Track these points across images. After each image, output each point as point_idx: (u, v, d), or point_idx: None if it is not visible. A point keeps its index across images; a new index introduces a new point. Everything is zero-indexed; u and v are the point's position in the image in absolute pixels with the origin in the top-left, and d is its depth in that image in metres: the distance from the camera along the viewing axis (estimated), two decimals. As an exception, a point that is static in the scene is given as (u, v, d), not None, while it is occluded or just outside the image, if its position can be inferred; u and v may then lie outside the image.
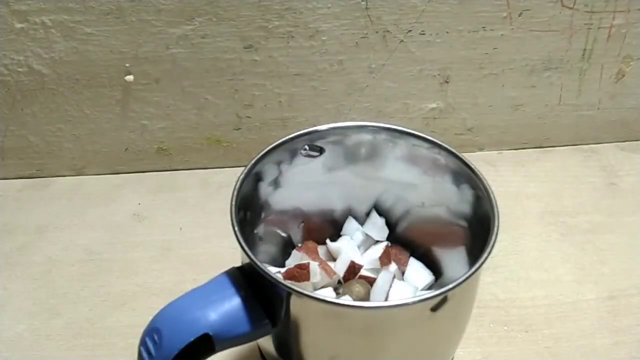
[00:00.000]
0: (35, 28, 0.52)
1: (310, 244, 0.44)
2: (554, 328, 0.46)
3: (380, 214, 0.45)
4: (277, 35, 0.53)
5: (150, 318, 0.33)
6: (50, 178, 0.60)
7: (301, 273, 0.40)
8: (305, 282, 0.40)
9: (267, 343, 0.36)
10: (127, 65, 0.54)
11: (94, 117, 0.57)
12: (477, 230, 0.37)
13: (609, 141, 0.62)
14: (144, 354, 0.32)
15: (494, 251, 0.33)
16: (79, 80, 0.55)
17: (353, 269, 0.42)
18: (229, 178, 0.59)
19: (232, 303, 0.33)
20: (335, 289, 0.42)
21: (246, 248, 0.33)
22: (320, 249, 0.44)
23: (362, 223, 0.45)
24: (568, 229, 0.53)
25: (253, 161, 0.38)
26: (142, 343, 0.32)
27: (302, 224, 0.45)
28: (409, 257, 0.44)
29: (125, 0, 0.51)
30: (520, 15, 0.54)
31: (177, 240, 0.53)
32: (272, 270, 0.34)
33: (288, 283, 0.32)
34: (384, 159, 0.42)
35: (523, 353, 0.44)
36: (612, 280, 0.49)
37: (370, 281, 0.41)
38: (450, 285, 0.31)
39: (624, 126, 0.62)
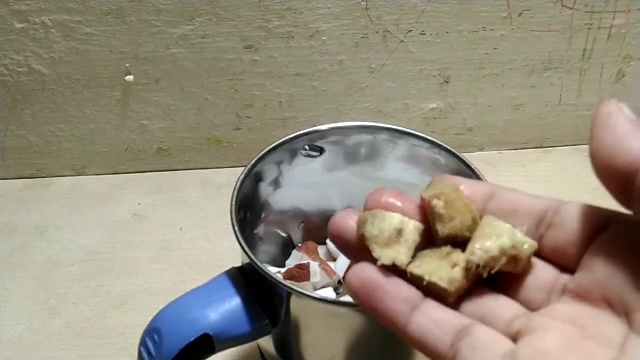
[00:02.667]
0: (35, 28, 0.52)
1: (310, 244, 0.44)
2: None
3: (380, 214, 0.45)
4: (277, 35, 0.53)
5: (150, 318, 0.33)
6: (50, 178, 0.60)
7: (301, 273, 0.40)
8: (305, 282, 0.40)
9: (267, 343, 0.36)
10: (127, 65, 0.54)
11: (94, 117, 0.57)
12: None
13: (609, 141, 0.62)
14: (144, 354, 0.32)
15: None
16: (79, 80, 0.55)
17: (353, 269, 0.42)
18: (229, 178, 0.59)
19: (232, 303, 0.33)
20: (335, 289, 0.42)
21: (246, 248, 0.33)
22: (320, 249, 0.44)
23: (362, 223, 0.45)
24: (568, 229, 0.53)
25: (253, 161, 0.38)
26: (142, 343, 0.32)
27: (302, 224, 0.45)
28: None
29: (125, 0, 0.51)
30: (520, 15, 0.54)
31: (177, 240, 0.53)
32: (272, 270, 0.34)
33: (288, 283, 0.32)
34: (384, 159, 0.42)
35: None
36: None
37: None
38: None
39: (624, 126, 0.62)
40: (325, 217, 0.45)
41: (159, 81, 0.55)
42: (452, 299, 0.21)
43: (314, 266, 0.41)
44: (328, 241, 0.44)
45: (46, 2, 0.51)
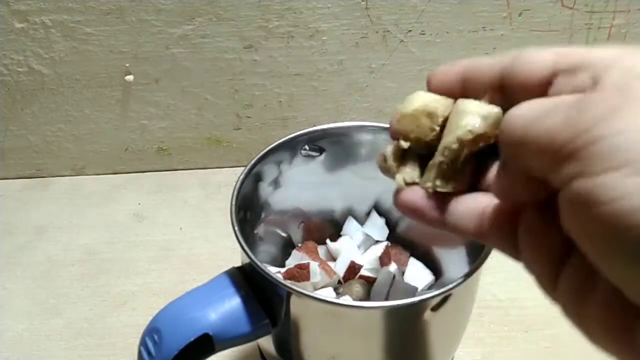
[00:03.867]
0: (35, 28, 0.52)
1: (310, 244, 0.44)
2: (554, 328, 0.45)
3: (380, 214, 0.45)
4: (277, 35, 0.53)
5: (150, 318, 0.33)
6: (50, 178, 0.60)
7: (301, 273, 0.40)
8: (305, 282, 0.40)
9: (267, 343, 0.36)
10: (127, 65, 0.54)
11: (94, 117, 0.57)
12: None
13: (609, 141, 0.62)
14: (144, 354, 0.32)
15: (493, 251, 0.33)
16: (79, 80, 0.55)
17: (353, 269, 0.42)
18: (229, 178, 0.59)
19: (232, 303, 0.33)
20: (335, 289, 0.42)
21: (246, 248, 0.33)
22: (320, 249, 0.44)
23: (362, 223, 0.45)
24: (568, 229, 0.53)
25: (253, 161, 0.38)
26: (142, 343, 0.32)
27: (302, 224, 0.45)
28: (409, 257, 0.44)
29: (125, 0, 0.51)
30: (520, 15, 0.54)
31: (177, 240, 0.54)
32: (272, 270, 0.34)
33: (288, 283, 0.32)
34: (384, 159, 0.42)
35: (523, 353, 0.44)
36: (612, 280, 0.49)
37: (370, 281, 0.41)
38: (451, 285, 0.31)
39: (624, 126, 0.62)
40: (325, 217, 0.45)
41: (159, 81, 0.55)
42: (462, 188, 0.24)
43: (314, 266, 0.41)
44: (328, 241, 0.44)
45: (46, 2, 0.51)
